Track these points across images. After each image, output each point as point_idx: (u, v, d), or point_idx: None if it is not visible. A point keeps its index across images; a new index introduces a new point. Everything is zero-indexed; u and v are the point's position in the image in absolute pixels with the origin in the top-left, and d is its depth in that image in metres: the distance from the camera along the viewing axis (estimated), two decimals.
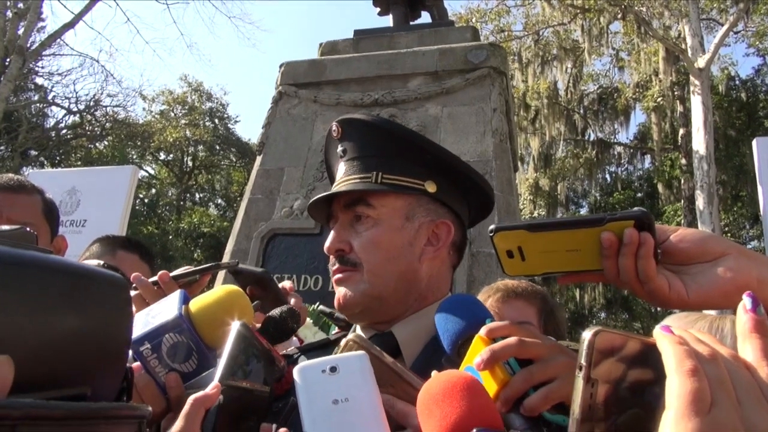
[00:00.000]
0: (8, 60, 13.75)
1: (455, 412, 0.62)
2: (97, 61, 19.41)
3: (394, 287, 1.03)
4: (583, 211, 20.90)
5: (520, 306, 1.61)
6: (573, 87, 18.24)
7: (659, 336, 0.48)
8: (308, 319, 2.46)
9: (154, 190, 24.31)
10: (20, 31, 14.31)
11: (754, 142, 4.30)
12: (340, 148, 1.12)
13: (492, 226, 0.78)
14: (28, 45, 14.71)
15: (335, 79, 5.02)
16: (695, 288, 0.70)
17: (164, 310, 0.93)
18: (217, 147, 25.11)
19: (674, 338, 0.47)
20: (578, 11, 14.90)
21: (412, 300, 1.05)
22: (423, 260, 1.06)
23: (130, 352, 0.85)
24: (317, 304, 3.56)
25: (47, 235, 1.64)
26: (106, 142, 22.28)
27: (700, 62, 12.29)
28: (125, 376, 0.53)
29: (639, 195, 20.36)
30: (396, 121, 1.17)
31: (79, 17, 15.09)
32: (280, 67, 5.26)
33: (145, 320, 0.92)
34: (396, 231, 1.04)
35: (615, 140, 19.87)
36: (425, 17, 6.08)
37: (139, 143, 23.09)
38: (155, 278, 1.22)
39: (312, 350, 1.12)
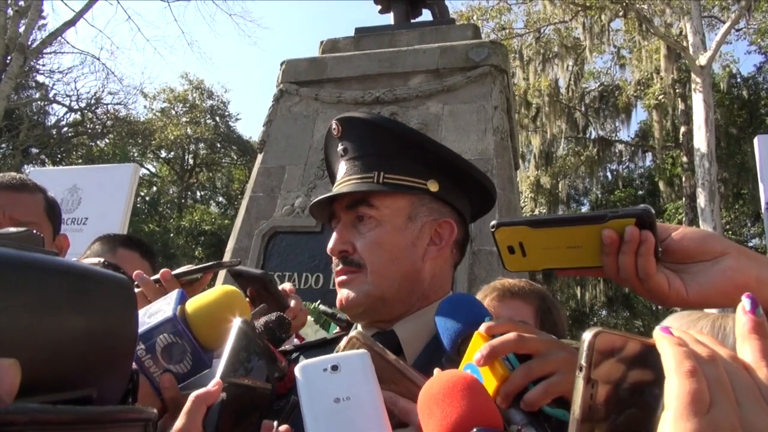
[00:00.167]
0: (9, 58, 13.75)
1: (455, 411, 0.62)
2: (98, 59, 19.36)
3: (398, 287, 1.03)
4: (584, 209, 20.89)
5: (516, 305, 1.61)
6: (574, 85, 18.21)
7: (658, 337, 0.49)
8: (309, 317, 2.46)
9: (155, 188, 24.32)
10: (21, 29, 14.31)
11: (755, 140, 4.30)
12: (340, 147, 1.11)
13: (494, 222, 0.78)
14: (29, 43, 14.71)
15: (336, 77, 5.02)
16: (695, 287, 0.70)
17: (160, 310, 0.93)
18: (218, 145, 25.11)
19: (673, 339, 0.48)
20: (579, 9, 14.86)
21: (415, 299, 1.05)
22: (426, 260, 1.06)
23: None
24: (318, 302, 3.58)
25: (49, 233, 1.64)
26: (107, 140, 22.29)
27: (702, 60, 12.26)
28: (131, 378, 0.53)
29: (640, 193, 20.34)
30: (397, 120, 1.17)
31: (79, 15, 15.08)
32: (281, 65, 5.26)
33: (141, 320, 0.92)
34: (399, 231, 1.04)
35: (616, 138, 19.86)
36: (426, 15, 6.08)
37: (140, 141, 23.10)
38: (157, 276, 1.22)
39: (311, 349, 1.13)
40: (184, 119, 23.83)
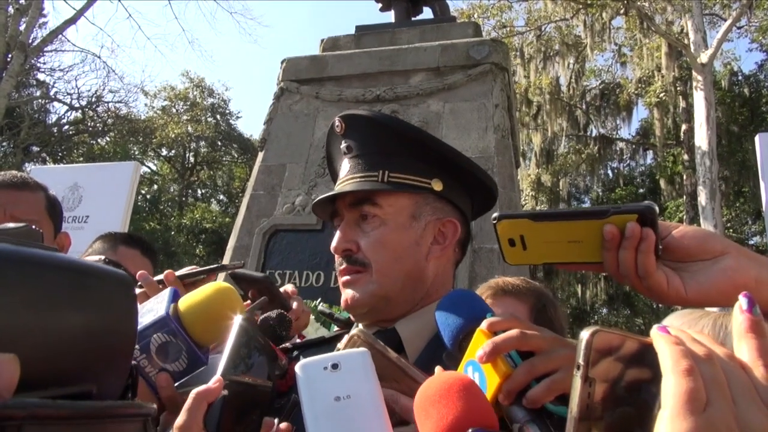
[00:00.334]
0: (10, 56, 13.75)
1: (452, 413, 0.62)
2: (99, 57, 19.38)
3: (402, 287, 1.03)
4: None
5: (510, 303, 1.61)
6: (575, 82, 18.19)
7: (656, 336, 0.49)
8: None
9: (156, 186, 24.33)
10: (22, 27, 14.31)
11: (756, 138, 4.29)
12: (343, 145, 1.10)
13: (496, 214, 0.78)
14: (30, 41, 14.71)
15: (337, 75, 5.02)
16: (694, 285, 0.71)
17: (152, 309, 0.93)
18: (219, 143, 25.12)
19: (670, 338, 0.48)
20: (580, 6, 14.84)
21: (418, 298, 1.05)
22: (430, 259, 1.06)
23: None
24: (319, 300, 3.58)
25: (51, 231, 1.64)
26: (108, 138, 22.30)
27: (703, 57, 12.24)
28: (130, 373, 0.53)
29: (641, 191, 20.33)
30: (398, 118, 1.17)
31: (80, 13, 15.08)
32: (282, 63, 5.26)
33: None
34: (403, 230, 1.04)
35: (617, 136, 19.84)
36: (427, 13, 6.07)
37: (140, 139, 23.10)
38: (161, 277, 1.22)
39: (310, 347, 1.13)
40: (184, 117, 23.83)
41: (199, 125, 23.72)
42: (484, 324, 0.77)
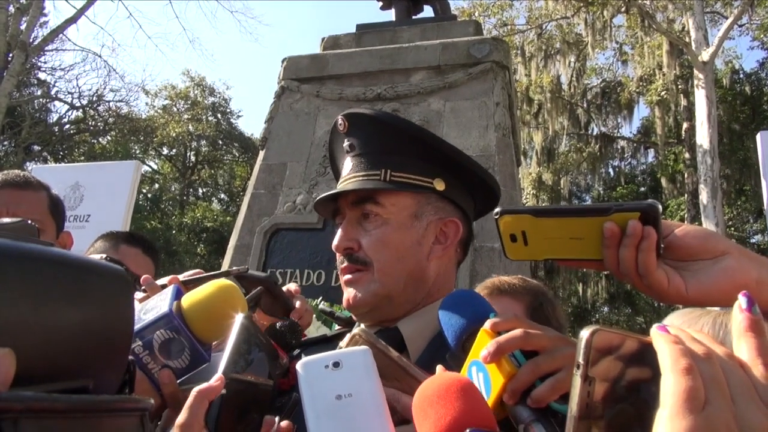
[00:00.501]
0: (11, 55, 13.76)
1: (450, 413, 0.62)
2: (100, 56, 19.35)
3: (403, 286, 1.03)
4: None
5: (506, 302, 1.60)
6: (576, 81, 18.17)
7: (655, 335, 0.49)
8: None
9: (157, 185, 24.35)
10: (23, 26, 14.32)
11: (758, 136, 4.28)
12: (346, 143, 1.10)
13: (497, 209, 0.78)
14: (31, 40, 14.72)
15: (338, 73, 5.02)
16: (695, 284, 0.71)
17: (156, 306, 0.93)
18: (220, 142, 25.12)
19: (670, 337, 0.48)
20: (581, 4, 14.82)
21: (420, 298, 1.05)
22: (431, 258, 1.06)
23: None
24: (320, 299, 3.58)
25: (53, 231, 1.64)
26: (109, 137, 22.30)
27: (704, 56, 12.22)
28: (128, 368, 0.53)
29: (642, 189, 20.31)
30: (401, 117, 1.17)
31: (81, 12, 15.08)
32: (283, 61, 5.26)
33: (137, 317, 0.92)
34: (405, 230, 1.04)
35: (618, 134, 19.82)
36: (428, 11, 6.06)
37: (142, 138, 23.11)
38: (165, 281, 1.22)
39: (312, 345, 1.13)
40: (185, 116, 23.84)
41: (200, 124, 23.73)
42: (487, 324, 0.78)
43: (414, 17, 5.92)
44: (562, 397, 0.71)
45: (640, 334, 0.51)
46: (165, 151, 24.77)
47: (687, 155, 15.94)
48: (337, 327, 1.34)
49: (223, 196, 25.94)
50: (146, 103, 25.21)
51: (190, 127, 23.66)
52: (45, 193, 1.66)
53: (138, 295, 1.08)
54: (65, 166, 8.21)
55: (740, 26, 16.32)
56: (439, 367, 0.76)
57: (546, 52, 16.87)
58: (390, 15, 5.95)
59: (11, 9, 14.07)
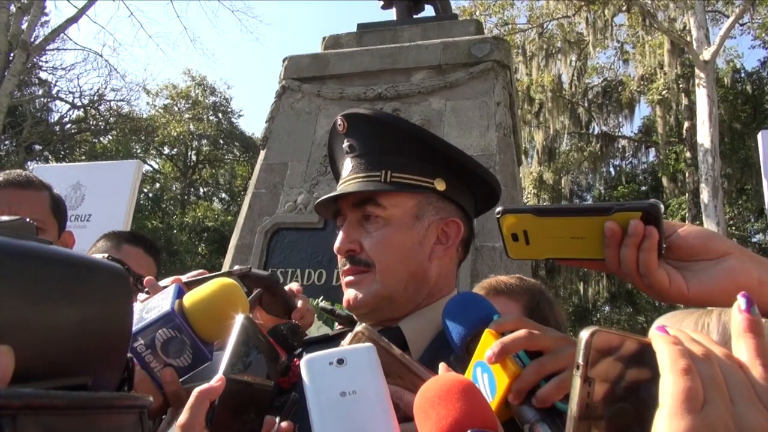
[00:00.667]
0: (12, 55, 13.77)
1: (451, 414, 0.62)
2: (101, 56, 19.38)
3: (405, 287, 1.03)
4: None
5: (503, 303, 1.60)
6: (577, 80, 18.16)
7: (654, 336, 0.49)
8: None
9: (158, 185, 24.36)
10: (24, 26, 14.32)
11: (759, 135, 4.27)
12: (346, 144, 1.10)
13: (499, 208, 0.78)
14: (32, 40, 14.72)
15: (338, 73, 5.01)
16: (696, 284, 0.71)
17: (158, 305, 0.93)
18: (221, 141, 25.13)
19: (669, 338, 0.48)
20: (583, 3, 14.81)
21: (421, 298, 1.05)
22: (433, 259, 1.05)
23: None
24: (321, 298, 3.58)
25: (55, 230, 1.65)
26: (110, 137, 22.32)
27: (706, 55, 12.21)
28: (126, 366, 0.53)
29: (643, 188, 20.29)
30: (400, 116, 1.16)
31: (82, 12, 15.09)
32: (284, 61, 5.26)
33: (139, 316, 0.92)
34: (407, 230, 1.04)
35: (619, 133, 19.80)
36: (429, 11, 6.06)
37: (143, 138, 23.12)
38: (168, 281, 1.22)
39: (314, 344, 1.12)
40: (186, 116, 23.86)
41: (201, 123, 23.74)
42: (491, 325, 0.78)
43: (415, 16, 5.92)
44: (567, 396, 0.71)
45: (639, 335, 0.52)
46: (166, 150, 24.79)
47: (688, 154, 15.93)
48: (338, 326, 1.34)
49: (224, 195, 25.95)
50: (147, 103, 25.29)
51: (191, 126, 23.67)
52: (47, 193, 1.66)
53: (141, 296, 1.08)
54: (66, 166, 8.21)
55: (741, 25, 16.30)
56: (442, 366, 0.76)
57: (547, 51, 16.86)
58: (391, 14, 5.95)
59: (12, 8, 14.08)
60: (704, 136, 11.78)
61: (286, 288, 1.22)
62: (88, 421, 0.44)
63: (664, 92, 16.38)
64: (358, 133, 1.09)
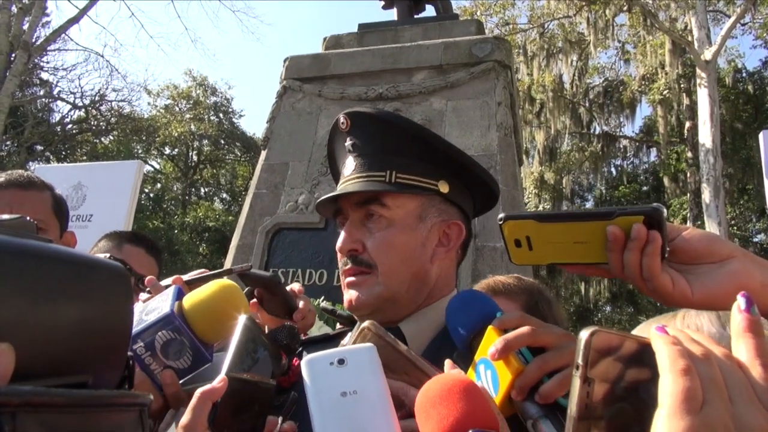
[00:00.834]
0: (13, 55, 13.79)
1: (452, 414, 0.62)
2: (102, 56, 19.46)
3: (407, 288, 1.02)
4: (589, 205, 20.83)
5: (501, 303, 1.59)
6: (578, 80, 18.15)
7: (654, 336, 0.49)
8: None
9: (159, 185, 24.39)
10: (25, 27, 14.34)
11: (760, 135, 4.27)
12: (349, 142, 1.09)
13: (501, 215, 0.78)
14: (33, 40, 14.73)
15: (339, 73, 5.02)
16: (700, 287, 0.70)
17: (157, 307, 0.92)
18: (222, 141, 25.16)
19: (668, 338, 0.48)
20: (584, 3, 14.80)
21: (422, 299, 1.05)
22: (434, 261, 1.05)
23: None
24: (322, 298, 3.59)
25: (57, 231, 1.65)
26: (111, 137, 22.34)
27: (707, 54, 12.20)
28: (126, 365, 0.53)
29: (645, 188, 20.28)
30: (405, 117, 1.15)
31: (83, 12, 15.10)
32: (285, 61, 5.26)
33: (139, 318, 0.92)
34: (410, 232, 1.03)
35: (620, 133, 19.79)
36: (429, 11, 6.06)
37: (144, 138, 23.15)
38: (169, 281, 1.22)
39: (315, 344, 1.12)
40: (187, 116, 23.88)
41: (202, 124, 23.76)
42: (495, 322, 0.78)
43: (416, 16, 5.92)
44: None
45: (639, 335, 0.52)
46: (167, 150, 24.81)
47: (689, 154, 15.91)
48: (338, 326, 1.34)
49: (225, 195, 25.96)
50: (148, 103, 25.23)
51: (192, 126, 23.69)
52: (49, 193, 1.66)
53: (143, 296, 1.08)
54: (68, 166, 8.22)
55: (743, 25, 16.28)
56: (448, 362, 0.76)
57: (548, 51, 16.85)
58: (392, 14, 5.95)
59: (14, 9, 14.09)
60: (706, 136, 11.77)
61: (288, 288, 1.21)
62: (88, 419, 0.44)
63: (665, 92, 16.37)
64: (361, 132, 1.08)
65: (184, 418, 0.75)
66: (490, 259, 3.87)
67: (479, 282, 1.74)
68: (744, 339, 0.47)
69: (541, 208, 18.55)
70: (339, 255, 1.07)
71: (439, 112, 4.58)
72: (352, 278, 1.04)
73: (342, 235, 1.06)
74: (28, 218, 0.55)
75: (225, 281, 0.98)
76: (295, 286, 1.23)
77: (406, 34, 5.36)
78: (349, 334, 1.11)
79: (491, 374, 0.76)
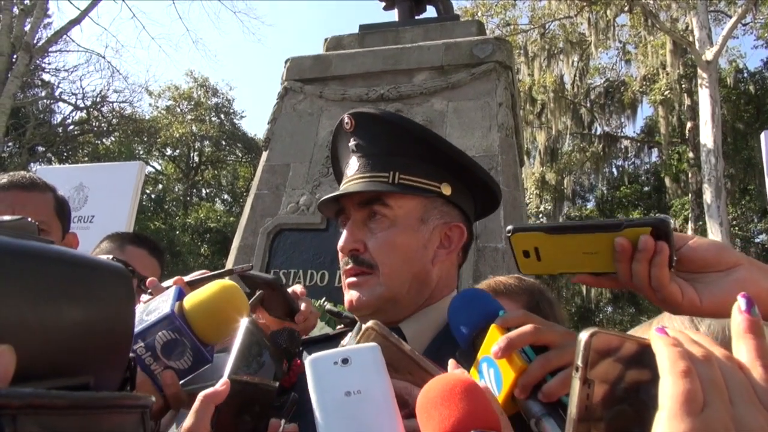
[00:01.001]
0: (15, 57, 13.81)
1: (454, 414, 0.62)
2: (104, 57, 19.47)
3: (408, 289, 1.02)
4: (590, 206, 20.83)
5: (502, 303, 1.60)
6: (579, 80, 18.15)
7: (654, 337, 0.49)
8: None
9: (160, 186, 24.41)
10: (27, 28, 14.36)
11: (762, 135, 4.27)
12: (352, 142, 1.09)
13: (510, 227, 0.79)
14: (35, 41, 14.76)
15: (341, 74, 5.02)
16: (708, 296, 0.71)
17: (158, 307, 0.92)
18: (223, 142, 25.16)
19: (668, 339, 0.48)
20: (584, 4, 14.80)
21: (422, 300, 1.05)
22: (435, 263, 1.05)
23: None
24: (323, 299, 3.59)
25: (59, 232, 1.65)
26: (112, 138, 22.37)
27: (708, 55, 12.19)
28: (128, 366, 0.53)
29: (646, 189, 20.26)
30: (409, 118, 1.15)
31: (85, 13, 15.13)
32: (286, 62, 5.26)
33: (140, 318, 0.91)
34: (412, 233, 1.04)
35: (622, 134, 19.78)
36: (430, 12, 6.06)
37: (145, 139, 23.16)
38: (170, 282, 1.22)
39: (315, 344, 1.13)
40: (189, 117, 23.90)
41: (204, 125, 23.78)
42: (497, 321, 0.78)
43: (417, 17, 5.92)
44: None
45: (639, 336, 0.51)
46: (168, 151, 24.83)
47: (691, 155, 15.90)
48: (339, 326, 1.34)
49: (226, 196, 25.98)
50: (150, 104, 25.30)
51: (194, 127, 23.71)
52: (51, 195, 1.66)
53: (144, 297, 1.08)
54: (69, 167, 8.23)
55: (744, 25, 16.27)
56: (452, 362, 0.76)
57: (549, 51, 16.84)
58: (393, 15, 5.96)
59: (15, 10, 14.12)
60: (707, 136, 11.76)
61: (290, 290, 1.21)
62: (89, 421, 0.43)
63: (666, 92, 16.36)
64: (365, 133, 1.08)
65: (187, 422, 0.75)
66: (491, 260, 3.87)
67: (480, 282, 1.74)
68: (744, 340, 0.47)
69: (542, 208, 18.55)
70: (340, 254, 1.07)
71: (440, 113, 4.58)
72: (353, 279, 1.04)
73: (344, 234, 1.06)
74: (29, 219, 0.55)
75: (226, 282, 0.98)
76: (297, 288, 1.23)
77: (407, 35, 5.36)
78: (350, 334, 1.11)
79: (494, 373, 0.76)
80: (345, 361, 0.72)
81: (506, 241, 0.80)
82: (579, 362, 0.49)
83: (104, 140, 22.39)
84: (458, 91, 4.62)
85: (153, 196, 23.33)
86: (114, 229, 2.22)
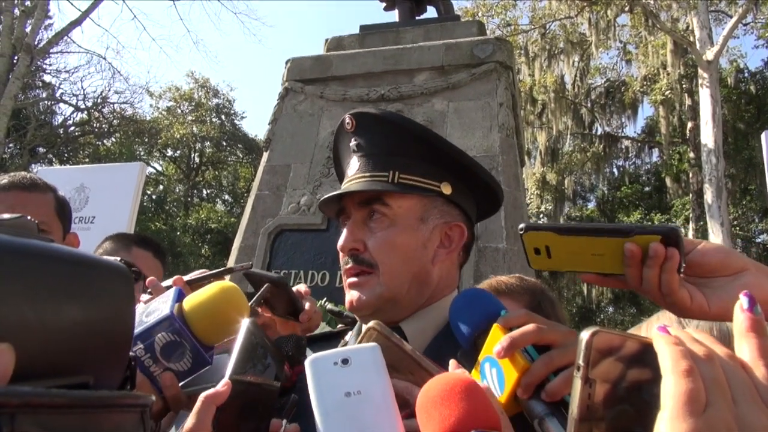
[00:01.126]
0: (16, 58, 13.83)
1: (454, 414, 0.62)
2: (104, 59, 19.49)
3: (408, 289, 1.02)
4: (591, 206, 20.82)
5: (503, 303, 1.60)
6: (580, 81, 18.14)
7: (656, 336, 0.49)
8: None
9: (161, 187, 24.42)
10: (28, 29, 14.38)
11: (762, 135, 4.26)
12: (353, 142, 1.09)
13: (522, 225, 0.80)
14: (36, 43, 14.77)
15: (341, 74, 5.02)
16: (716, 301, 0.72)
17: (157, 309, 0.92)
18: (224, 143, 25.17)
19: (670, 339, 0.48)
20: (585, 4, 14.80)
21: (423, 300, 1.05)
22: (435, 262, 1.05)
23: None
24: (324, 300, 3.59)
25: (60, 232, 1.65)
26: (113, 139, 22.38)
27: (709, 55, 12.18)
28: (128, 365, 0.53)
29: (647, 189, 20.25)
30: (410, 118, 1.15)
31: (85, 14, 15.15)
32: (286, 63, 5.26)
33: (139, 319, 0.91)
34: (411, 232, 1.04)
35: (622, 134, 19.77)
36: (431, 12, 6.06)
37: (146, 140, 23.18)
38: (169, 282, 1.22)
39: (315, 342, 1.13)
40: (189, 118, 23.91)
41: (204, 126, 23.79)
42: (499, 320, 0.79)
43: (417, 18, 5.93)
44: None
45: (640, 335, 0.51)
46: (169, 152, 24.84)
47: (691, 155, 15.89)
48: (339, 326, 1.34)
49: (227, 197, 25.99)
50: (150, 105, 25.33)
51: (195, 128, 23.72)
52: (52, 195, 1.66)
53: (144, 297, 1.08)
54: (70, 168, 8.24)
55: (745, 25, 16.26)
56: (453, 362, 0.76)
57: (550, 51, 16.84)
58: (393, 16, 5.96)
59: (16, 12, 14.14)
60: (708, 136, 11.75)
61: (294, 289, 1.21)
62: (88, 420, 0.43)
63: (667, 92, 16.35)
64: (366, 132, 1.08)
65: (188, 423, 0.75)
66: (492, 260, 3.87)
67: (481, 282, 1.74)
68: (747, 339, 0.47)
69: (542, 209, 18.55)
70: (341, 254, 1.07)
71: (441, 113, 4.58)
72: (353, 279, 1.04)
73: (344, 233, 1.06)
74: (28, 218, 0.54)
75: (226, 283, 0.98)
76: (301, 288, 1.23)
77: (407, 35, 5.36)
78: (350, 332, 1.11)
79: (496, 372, 0.76)
80: (345, 361, 0.72)
81: (519, 238, 0.82)
82: (580, 361, 0.49)
83: (105, 141, 22.40)
84: (459, 91, 4.62)
85: (154, 197, 23.34)
86: (115, 230, 2.22)
